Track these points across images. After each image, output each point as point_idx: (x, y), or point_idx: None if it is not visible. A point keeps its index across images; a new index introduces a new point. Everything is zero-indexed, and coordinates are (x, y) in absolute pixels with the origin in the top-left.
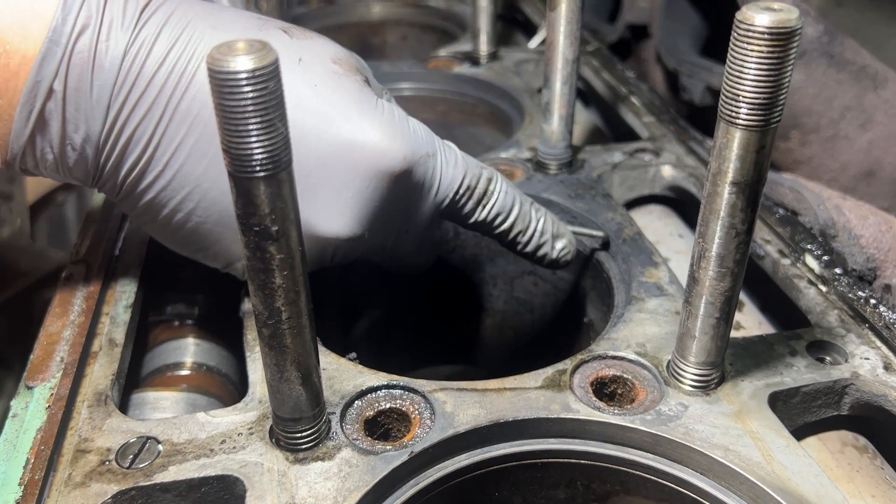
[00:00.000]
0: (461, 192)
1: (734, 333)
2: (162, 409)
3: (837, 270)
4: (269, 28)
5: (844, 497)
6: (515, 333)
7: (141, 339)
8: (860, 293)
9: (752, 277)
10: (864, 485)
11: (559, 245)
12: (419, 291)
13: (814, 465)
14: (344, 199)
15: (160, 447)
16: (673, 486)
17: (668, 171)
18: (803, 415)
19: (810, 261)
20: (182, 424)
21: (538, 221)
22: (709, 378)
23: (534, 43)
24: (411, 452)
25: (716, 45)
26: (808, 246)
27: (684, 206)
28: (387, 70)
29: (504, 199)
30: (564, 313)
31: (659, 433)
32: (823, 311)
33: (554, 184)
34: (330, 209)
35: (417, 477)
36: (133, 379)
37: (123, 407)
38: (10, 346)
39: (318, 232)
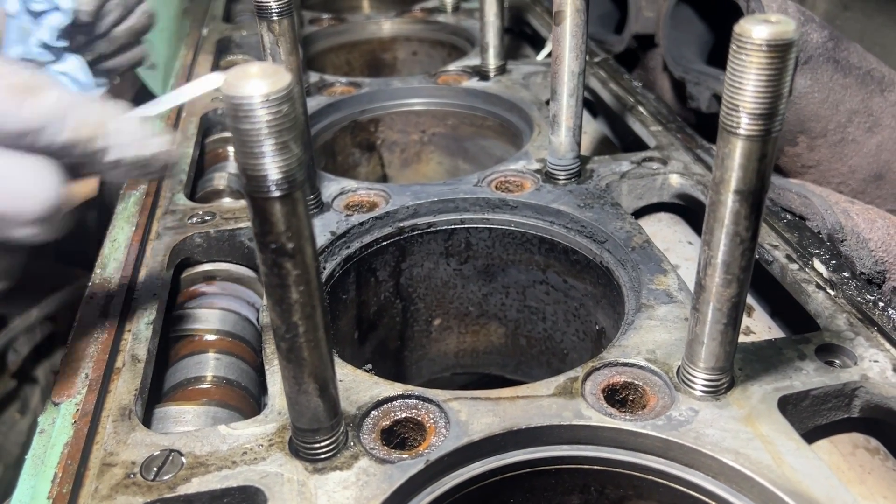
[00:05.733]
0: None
1: (744, 338)
2: (184, 422)
3: (846, 274)
4: None
5: (855, 498)
6: (528, 341)
7: (163, 354)
8: (868, 296)
9: (761, 282)
10: (876, 486)
11: None
12: (432, 302)
13: (824, 468)
14: None
15: (183, 459)
16: (685, 489)
17: (675, 180)
18: (814, 418)
19: (818, 265)
20: (204, 437)
21: None
22: (718, 383)
23: (541, 55)
24: (427, 461)
25: (722, 52)
26: (816, 250)
27: (693, 213)
28: (398, 86)
29: None
30: (576, 321)
31: (670, 438)
32: (832, 314)
33: (563, 194)
34: None
35: (433, 485)
36: (156, 394)
37: (147, 421)
38: (36, 362)
39: None
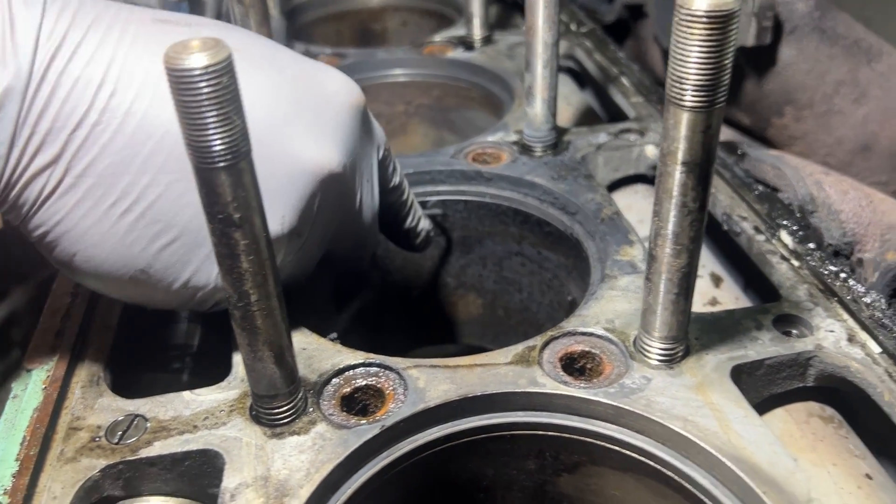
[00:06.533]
0: (386, 147)
1: (710, 308)
2: (156, 389)
3: (811, 245)
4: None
5: (796, 463)
6: (506, 312)
7: (139, 325)
8: (832, 267)
9: (729, 254)
10: (827, 453)
11: (425, 224)
12: (411, 273)
13: (769, 434)
14: (322, 129)
15: (147, 424)
16: (635, 455)
17: (651, 151)
18: (769, 387)
19: (785, 236)
20: (168, 402)
21: (413, 195)
22: (672, 352)
23: None
24: (382, 426)
25: None
26: (784, 222)
27: None
28: (383, 56)
29: (396, 163)
30: (550, 292)
31: (621, 405)
32: (794, 285)
33: (538, 166)
34: (311, 140)
35: (389, 449)
36: (132, 364)
37: (121, 389)
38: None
39: (303, 159)
